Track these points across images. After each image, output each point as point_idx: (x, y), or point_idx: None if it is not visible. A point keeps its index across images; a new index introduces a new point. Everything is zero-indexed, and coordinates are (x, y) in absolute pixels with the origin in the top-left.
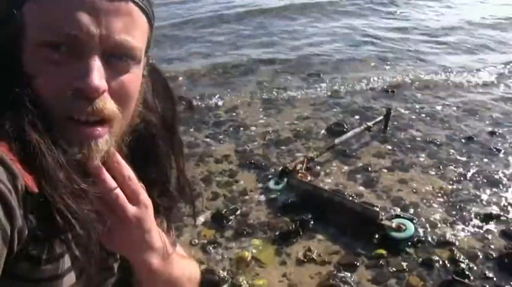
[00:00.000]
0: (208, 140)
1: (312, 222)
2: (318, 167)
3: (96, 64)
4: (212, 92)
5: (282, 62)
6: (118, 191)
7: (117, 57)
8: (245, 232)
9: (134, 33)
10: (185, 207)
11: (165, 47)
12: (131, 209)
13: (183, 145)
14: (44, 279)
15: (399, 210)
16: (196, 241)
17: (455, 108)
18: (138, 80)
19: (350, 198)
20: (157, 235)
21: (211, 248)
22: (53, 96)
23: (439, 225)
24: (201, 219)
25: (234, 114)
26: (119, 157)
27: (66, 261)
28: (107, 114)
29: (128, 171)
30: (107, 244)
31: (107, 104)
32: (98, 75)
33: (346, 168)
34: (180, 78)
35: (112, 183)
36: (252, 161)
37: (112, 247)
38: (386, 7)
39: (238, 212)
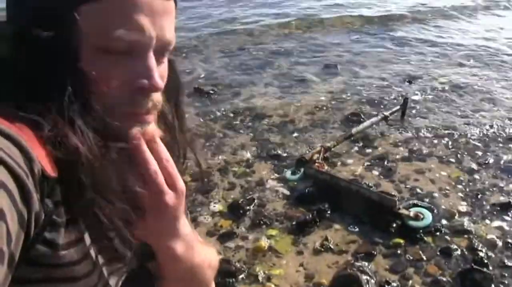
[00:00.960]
0: (225, 130)
1: (329, 212)
2: (335, 157)
3: (154, 62)
4: (229, 82)
5: (299, 53)
6: (159, 172)
7: (162, 52)
8: (261, 222)
9: (173, 28)
10: (201, 197)
11: (183, 40)
12: (170, 194)
13: (185, 119)
14: (61, 265)
15: (416, 199)
16: (213, 231)
17: (471, 97)
18: (167, 67)
19: (367, 187)
20: (185, 222)
21: (227, 238)
22: (112, 93)
23: (456, 214)
24: (216, 207)
25: (251, 104)
26: (157, 138)
27: (84, 247)
28: (159, 106)
29: (166, 153)
30: (137, 230)
31: (159, 97)
32: (157, 73)
33: (363, 158)
34: (197, 68)
35: (153, 162)
36: (269, 151)
37: (141, 233)
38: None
39: (255, 202)
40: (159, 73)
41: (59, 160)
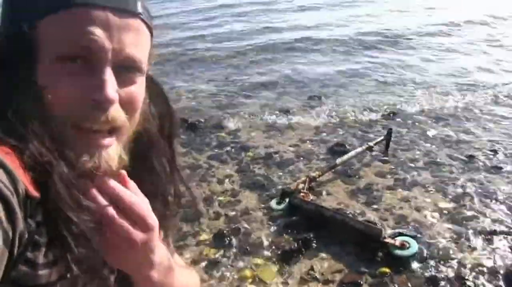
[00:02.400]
0: (210, 161)
1: (314, 241)
2: (320, 187)
3: (110, 76)
4: (214, 114)
5: (284, 85)
6: (120, 221)
7: (126, 69)
8: (247, 251)
9: (140, 46)
10: (186, 226)
11: (168, 70)
12: (137, 235)
13: (176, 153)
14: (38, 285)
15: (401, 228)
16: (199, 260)
17: (454, 128)
18: (143, 90)
19: (353, 217)
20: (161, 252)
21: (213, 267)
22: (67, 106)
23: (443, 242)
24: (201, 236)
25: (236, 136)
26: (123, 172)
27: (61, 269)
28: (118, 123)
29: (131, 197)
30: (110, 261)
31: (119, 113)
32: (112, 86)
33: (348, 187)
34: (183, 101)
35: (111, 213)
36: (254, 182)
37: (115, 264)
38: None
39: (240, 231)
40: (126, 92)
41: (40, 182)
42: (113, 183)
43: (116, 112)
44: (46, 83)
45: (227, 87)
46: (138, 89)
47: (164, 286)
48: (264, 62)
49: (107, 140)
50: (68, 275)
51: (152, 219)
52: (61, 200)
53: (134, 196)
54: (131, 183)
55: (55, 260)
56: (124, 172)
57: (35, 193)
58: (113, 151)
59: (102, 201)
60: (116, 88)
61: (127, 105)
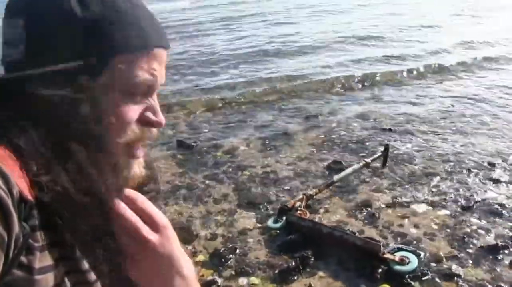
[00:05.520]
0: (207, 181)
1: (312, 259)
2: (318, 205)
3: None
4: (211, 134)
5: (282, 104)
6: (137, 219)
7: None
8: (244, 271)
9: None
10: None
11: (165, 92)
12: (149, 232)
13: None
14: None
15: (401, 244)
16: None
17: (452, 142)
18: None
19: (351, 233)
20: (187, 264)
21: None
22: (123, 127)
23: (444, 257)
24: (200, 256)
25: (233, 155)
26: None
27: (59, 274)
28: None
29: (140, 196)
30: (133, 275)
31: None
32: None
33: (346, 204)
34: (180, 122)
35: (130, 214)
36: (251, 201)
37: (139, 277)
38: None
39: (237, 251)
40: None
41: (36, 185)
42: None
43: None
44: (110, 110)
45: (223, 107)
46: None
47: None
48: (260, 82)
49: (141, 152)
50: (67, 280)
51: (163, 219)
52: (64, 206)
53: (141, 195)
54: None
55: (53, 266)
56: None
57: (29, 197)
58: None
59: (122, 206)
60: None
61: None
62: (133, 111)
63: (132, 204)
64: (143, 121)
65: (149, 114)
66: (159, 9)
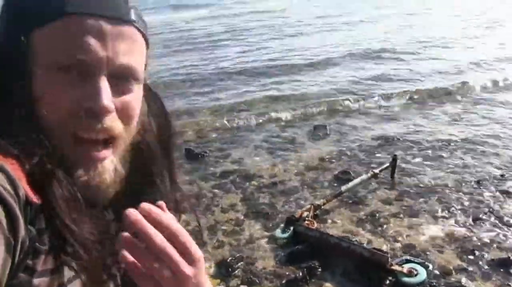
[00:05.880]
0: (214, 190)
1: (319, 269)
2: (325, 215)
3: (105, 85)
4: (219, 145)
5: (289, 115)
6: (170, 247)
7: (122, 78)
8: (251, 281)
9: (136, 55)
10: None
11: (174, 103)
12: (187, 267)
13: (176, 165)
14: None
15: (409, 255)
16: None
17: (460, 153)
18: (140, 99)
19: (358, 244)
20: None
21: None
22: (62, 116)
23: (452, 270)
24: (207, 265)
25: (241, 165)
26: (165, 208)
27: (65, 276)
28: (115, 132)
29: (176, 224)
30: None
31: (115, 122)
32: (107, 95)
33: (353, 215)
34: (188, 132)
35: (161, 239)
36: (259, 210)
37: None
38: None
39: (244, 260)
40: (122, 101)
41: (40, 189)
42: (156, 210)
43: (112, 121)
44: (41, 93)
45: (232, 117)
46: (135, 98)
47: None
48: (269, 92)
49: (102, 153)
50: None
51: (197, 249)
52: (60, 209)
53: (177, 223)
54: (169, 214)
55: (53, 269)
56: (162, 203)
57: (35, 200)
58: (108, 164)
59: (149, 227)
60: (112, 97)
61: (123, 114)
62: (60, 91)
63: (166, 229)
64: (81, 108)
65: (85, 99)
66: (180, 18)
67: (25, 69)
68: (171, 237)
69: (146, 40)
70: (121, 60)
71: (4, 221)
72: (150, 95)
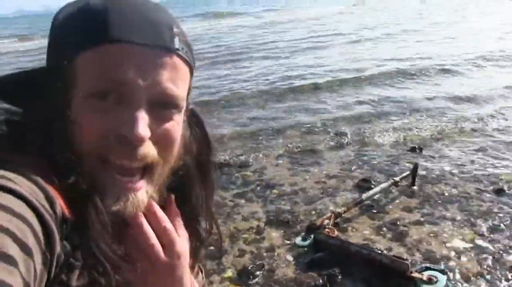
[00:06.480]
0: (235, 199)
1: (340, 277)
2: (346, 223)
3: (142, 113)
4: (240, 153)
5: (310, 123)
6: (155, 241)
7: (162, 106)
8: None
9: (178, 83)
10: (211, 263)
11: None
12: (164, 258)
13: (214, 189)
14: None
15: (429, 263)
16: None
17: (482, 161)
18: (180, 127)
19: (379, 251)
20: (188, 283)
21: None
22: (92, 139)
23: (473, 278)
24: (228, 273)
25: (261, 174)
26: (156, 207)
27: None
28: (150, 161)
29: (165, 222)
30: (139, 286)
31: (150, 151)
32: (143, 123)
33: (374, 223)
34: None
35: (151, 234)
36: (280, 218)
37: None
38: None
39: (265, 268)
40: (161, 129)
41: (75, 208)
42: (156, 206)
43: (147, 149)
44: (77, 117)
45: (251, 127)
46: (175, 127)
47: None
48: (288, 102)
49: (137, 184)
50: None
51: (180, 247)
52: (93, 229)
53: (168, 221)
54: (176, 211)
55: (87, 284)
56: (172, 196)
57: (69, 215)
58: (142, 195)
59: (144, 224)
60: (149, 125)
61: (162, 142)
62: (96, 117)
63: (156, 223)
64: (114, 133)
65: (120, 125)
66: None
67: (66, 93)
68: (160, 229)
69: (191, 67)
70: (161, 88)
71: (41, 237)
72: (193, 119)
